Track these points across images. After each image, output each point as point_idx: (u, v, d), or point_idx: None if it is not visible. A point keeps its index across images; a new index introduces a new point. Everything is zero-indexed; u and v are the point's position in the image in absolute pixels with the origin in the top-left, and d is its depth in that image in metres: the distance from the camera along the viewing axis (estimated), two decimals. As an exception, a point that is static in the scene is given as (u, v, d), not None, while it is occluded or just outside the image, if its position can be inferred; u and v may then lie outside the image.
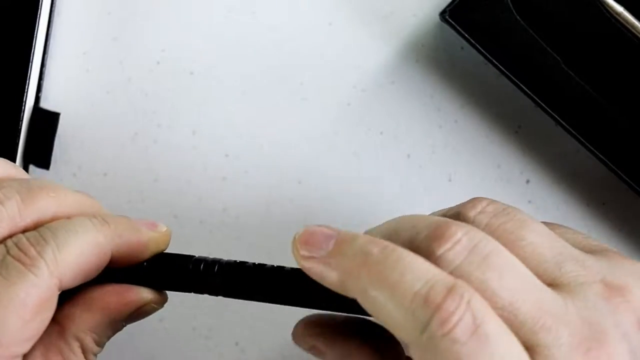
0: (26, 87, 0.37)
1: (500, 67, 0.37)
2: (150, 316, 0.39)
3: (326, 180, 0.40)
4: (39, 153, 0.38)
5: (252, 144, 0.39)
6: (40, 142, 0.38)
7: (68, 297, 0.28)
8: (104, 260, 0.28)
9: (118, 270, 0.29)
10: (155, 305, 0.30)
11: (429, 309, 0.23)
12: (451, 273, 0.25)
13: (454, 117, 0.40)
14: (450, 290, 0.23)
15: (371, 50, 0.39)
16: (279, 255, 0.39)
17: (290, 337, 0.39)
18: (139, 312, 0.30)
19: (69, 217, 0.28)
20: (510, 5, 0.37)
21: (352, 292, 0.25)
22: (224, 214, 0.39)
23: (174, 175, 0.39)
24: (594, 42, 0.38)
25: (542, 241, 0.27)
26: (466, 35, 0.37)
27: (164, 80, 0.39)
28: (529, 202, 0.40)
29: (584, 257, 0.27)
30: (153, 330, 0.39)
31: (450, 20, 0.37)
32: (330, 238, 0.27)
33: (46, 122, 0.38)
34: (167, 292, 0.31)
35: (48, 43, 0.39)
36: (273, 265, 0.30)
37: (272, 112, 0.40)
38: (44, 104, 0.39)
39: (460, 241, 0.25)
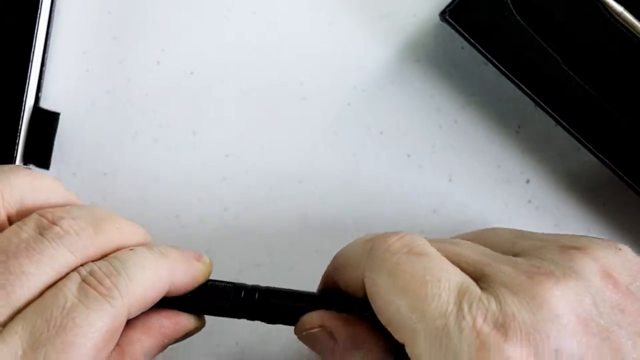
0: (26, 86, 0.37)
1: (500, 67, 0.37)
2: (150, 316, 0.39)
3: (326, 180, 0.40)
4: (39, 153, 0.38)
5: (252, 144, 0.39)
6: (40, 142, 0.38)
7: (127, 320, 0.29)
8: (163, 291, 0.29)
9: (167, 298, 0.30)
10: (198, 329, 0.32)
11: (373, 241, 0.29)
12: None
13: (454, 117, 0.40)
14: (390, 232, 0.29)
15: (371, 50, 0.39)
16: (279, 254, 0.39)
17: (290, 337, 0.39)
18: (184, 337, 0.32)
19: (131, 248, 0.29)
20: (510, 5, 0.37)
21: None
22: (224, 214, 0.39)
23: (174, 175, 0.39)
24: (594, 42, 0.38)
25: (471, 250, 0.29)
26: (466, 35, 0.37)
27: (164, 80, 0.39)
28: (529, 202, 0.40)
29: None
30: (153, 330, 0.39)
31: (450, 20, 0.37)
32: None
33: (46, 122, 0.38)
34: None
35: (48, 43, 0.39)
36: (308, 292, 0.33)
37: (272, 112, 0.40)
38: (44, 104, 0.39)
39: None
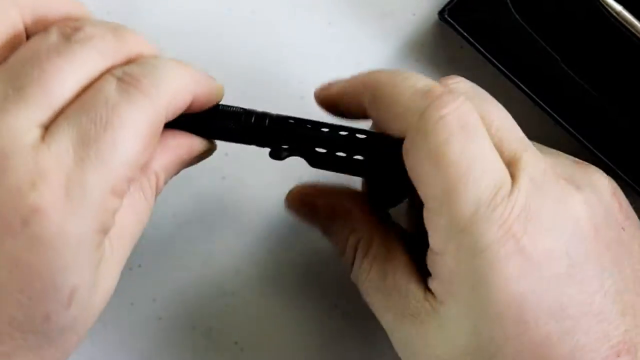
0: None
1: (499, 65, 0.37)
2: (150, 316, 0.39)
3: (326, 179, 0.40)
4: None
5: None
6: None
7: None
8: (188, 100, 0.29)
9: (184, 115, 0.30)
10: (209, 153, 0.32)
11: (428, 99, 0.28)
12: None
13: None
14: (449, 90, 0.29)
15: (371, 49, 0.40)
16: (280, 254, 0.39)
17: (289, 337, 0.39)
18: (197, 159, 0.32)
19: (156, 56, 0.29)
20: (509, 4, 0.37)
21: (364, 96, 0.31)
22: (224, 214, 0.39)
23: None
24: (593, 41, 0.38)
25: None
26: (465, 34, 0.37)
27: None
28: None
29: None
30: (153, 330, 0.39)
31: (449, 20, 0.37)
32: None
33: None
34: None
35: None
36: (324, 122, 0.32)
37: (272, 111, 0.40)
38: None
39: (457, 93, 0.29)
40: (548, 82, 0.37)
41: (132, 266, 0.38)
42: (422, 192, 0.28)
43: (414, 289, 0.29)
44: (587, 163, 0.31)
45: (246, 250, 0.39)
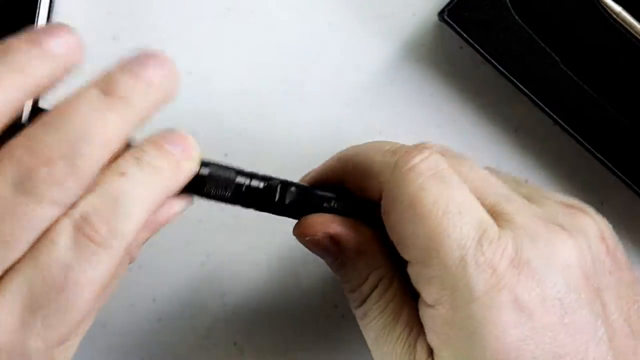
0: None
1: (499, 66, 0.37)
2: (150, 316, 0.39)
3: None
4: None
5: (252, 144, 0.39)
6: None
7: None
8: (159, 206, 0.27)
9: None
10: (187, 207, 0.30)
11: (397, 154, 0.29)
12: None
13: (453, 117, 0.40)
14: (416, 147, 0.29)
15: (371, 50, 0.39)
16: (279, 254, 0.39)
17: (289, 337, 0.39)
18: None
19: (122, 172, 0.26)
20: (509, 5, 0.37)
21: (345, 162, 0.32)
22: (223, 214, 0.39)
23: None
24: (593, 42, 0.38)
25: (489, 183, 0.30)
26: (464, 35, 0.37)
27: (163, 80, 0.39)
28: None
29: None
30: (153, 330, 0.39)
31: (448, 20, 0.37)
32: None
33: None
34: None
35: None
36: (307, 186, 0.32)
37: (272, 111, 0.40)
38: (43, 104, 0.39)
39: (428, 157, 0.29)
40: (547, 83, 0.37)
41: (132, 267, 0.38)
42: (404, 248, 0.28)
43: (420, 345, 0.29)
44: (576, 204, 0.30)
45: (246, 251, 0.39)
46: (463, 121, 0.40)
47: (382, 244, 0.30)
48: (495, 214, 0.28)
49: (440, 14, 0.37)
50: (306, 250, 0.39)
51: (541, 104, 0.37)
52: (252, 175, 0.30)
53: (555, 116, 0.37)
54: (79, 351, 0.39)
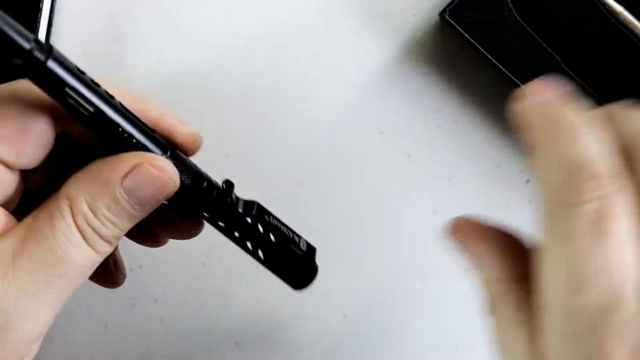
0: (26, 87, 0.37)
1: (500, 66, 0.37)
2: (151, 316, 0.39)
3: (326, 180, 0.40)
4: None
5: (252, 144, 0.39)
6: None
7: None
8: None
9: None
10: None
11: (572, 180, 0.24)
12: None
13: (453, 117, 0.40)
14: (603, 177, 0.23)
15: (371, 50, 0.39)
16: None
17: (289, 337, 0.39)
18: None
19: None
20: (510, 5, 0.37)
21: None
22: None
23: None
24: (594, 41, 0.38)
25: None
26: (466, 35, 0.37)
27: (164, 80, 0.39)
28: (529, 201, 0.40)
29: None
30: (154, 330, 0.39)
31: (450, 20, 0.37)
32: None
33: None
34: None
35: (48, 42, 0.38)
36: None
37: (272, 112, 0.40)
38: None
39: None
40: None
41: (133, 267, 0.38)
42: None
43: None
44: None
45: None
46: (464, 121, 0.40)
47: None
48: None
49: (442, 14, 0.37)
50: (307, 250, 0.39)
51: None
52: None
53: None
54: (80, 351, 0.39)
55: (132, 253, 0.37)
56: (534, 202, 0.40)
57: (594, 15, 0.38)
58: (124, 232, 0.26)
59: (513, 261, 0.27)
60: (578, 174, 0.24)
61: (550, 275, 0.24)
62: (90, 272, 0.26)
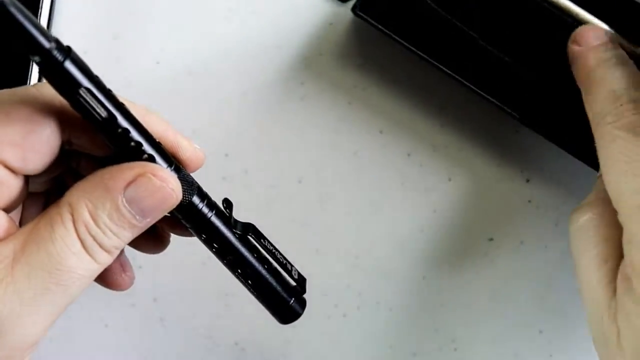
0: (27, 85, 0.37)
1: (420, 52, 0.36)
2: (151, 316, 0.39)
3: (326, 179, 0.40)
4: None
5: (252, 144, 0.39)
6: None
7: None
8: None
9: None
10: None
11: (619, 100, 0.31)
12: None
13: (454, 117, 0.40)
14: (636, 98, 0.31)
15: (371, 50, 0.39)
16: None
17: (289, 337, 0.39)
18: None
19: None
20: None
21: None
22: (224, 214, 0.39)
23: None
24: (507, 13, 0.37)
25: None
26: (380, 27, 0.36)
27: (164, 80, 0.39)
28: (529, 201, 0.40)
29: None
30: (153, 330, 0.39)
31: (362, 15, 0.36)
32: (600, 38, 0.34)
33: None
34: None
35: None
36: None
37: (272, 111, 0.40)
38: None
39: None
40: (469, 60, 0.36)
41: (133, 267, 0.38)
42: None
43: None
44: None
45: (247, 250, 0.39)
46: (464, 121, 0.40)
47: None
48: None
49: (353, 9, 0.37)
50: (306, 250, 0.39)
51: (465, 81, 0.36)
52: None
53: (480, 91, 0.36)
54: (80, 351, 0.39)
55: (132, 253, 0.37)
56: (534, 201, 0.40)
57: None
58: (125, 243, 0.26)
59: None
60: (618, 99, 0.31)
61: (634, 182, 0.29)
62: (88, 282, 0.26)
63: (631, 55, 0.34)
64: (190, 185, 0.28)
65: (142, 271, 0.39)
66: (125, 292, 0.39)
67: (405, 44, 0.36)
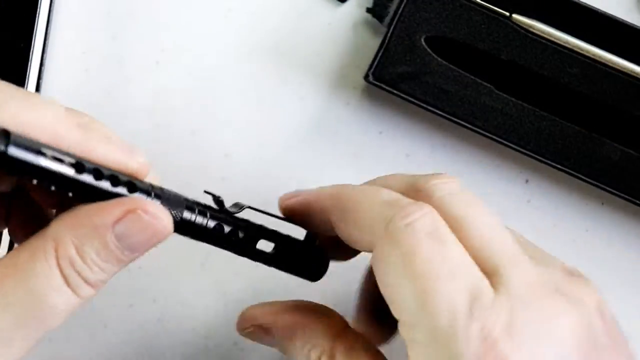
0: (25, 86, 0.37)
1: (437, 111, 0.37)
2: (150, 317, 0.39)
3: (326, 180, 0.40)
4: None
5: (252, 144, 0.39)
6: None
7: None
8: None
9: None
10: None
11: (394, 208, 0.27)
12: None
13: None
14: (414, 202, 0.27)
15: (370, 50, 0.39)
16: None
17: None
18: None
19: None
20: (429, 50, 0.37)
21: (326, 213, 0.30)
22: (223, 214, 0.39)
23: (173, 175, 0.39)
24: (517, 59, 0.38)
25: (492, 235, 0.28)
26: (394, 91, 0.37)
27: (164, 80, 0.39)
28: (528, 201, 0.40)
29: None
30: (153, 330, 0.39)
31: (374, 82, 0.37)
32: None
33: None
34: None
35: (47, 42, 0.38)
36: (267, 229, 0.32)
37: (272, 111, 0.40)
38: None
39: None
40: (487, 111, 0.37)
41: (132, 267, 0.38)
42: (394, 307, 0.27)
43: None
44: (577, 272, 0.29)
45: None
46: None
47: (319, 316, 0.30)
48: (495, 275, 0.26)
49: (366, 77, 0.37)
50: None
51: (487, 134, 0.37)
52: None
53: (502, 140, 0.37)
54: (80, 351, 0.39)
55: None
56: (533, 201, 0.40)
57: (510, 34, 0.37)
58: (110, 277, 0.26)
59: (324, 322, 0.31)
60: (396, 203, 0.28)
61: (404, 292, 0.26)
62: (69, 315, 0.25)
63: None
64: (178, 204, 0.28)
65: (141, 271, 0.38)
66: (124, 292, 0.39)
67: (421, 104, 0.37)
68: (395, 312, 0.27)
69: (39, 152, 0.23)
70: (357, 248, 0.30)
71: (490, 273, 0.26)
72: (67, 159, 0.24)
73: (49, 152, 0.23)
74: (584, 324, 0.26)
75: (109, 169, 0.25)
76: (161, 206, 0.26)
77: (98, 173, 0.25)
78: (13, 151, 0.22)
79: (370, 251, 0.28)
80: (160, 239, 0.26)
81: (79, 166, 0.24)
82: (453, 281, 0.25)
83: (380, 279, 0.27)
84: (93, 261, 0.25)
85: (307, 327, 0.31)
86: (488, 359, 0.24)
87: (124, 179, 0.26)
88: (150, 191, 0.26)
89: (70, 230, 0.25)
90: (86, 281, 0.25)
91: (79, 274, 0.25)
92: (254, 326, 0.31)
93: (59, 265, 0.24)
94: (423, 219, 0.26)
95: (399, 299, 0.26)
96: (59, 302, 0.25)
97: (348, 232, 0.29)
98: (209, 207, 0.30)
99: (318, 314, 0.31)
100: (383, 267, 0.27)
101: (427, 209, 0.27)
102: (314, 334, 0.30)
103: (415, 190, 0.28)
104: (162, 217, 0.25)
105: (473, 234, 0.27)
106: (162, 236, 0.26)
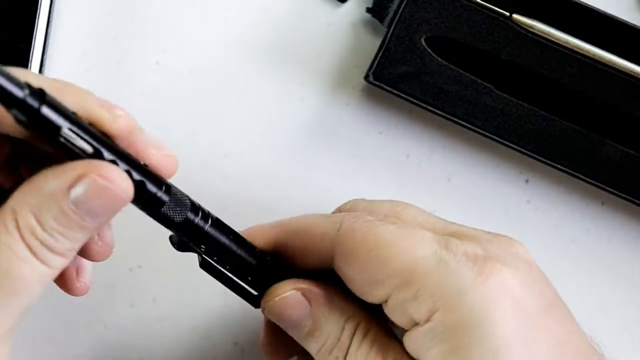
0: (25, 86, 0.37)
1: (437, 111, 0.37)
2: (151, 316, 0.39)
3: (326, 180, 0.40)
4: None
5: (252, 144, 0.39)
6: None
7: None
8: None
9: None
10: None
11: (338, 217, 0.30)
12: None
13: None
14: (347, 213, 0.32)
15: (370, 50, 0.39)
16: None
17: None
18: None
19: None
20: (429, 50, 0.37)
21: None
22: (223, 214, 0.39)
23: (173, 175, 0.39)
24: (517, 59, 0.38)
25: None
26: (394, 91, 0.37)
27: (164, 80, 0.39)
28: (528, 201, 0.40)
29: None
30: (153, 330, 0.39)
31: (375, 82, 0.37)
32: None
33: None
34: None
35: (47, 42, 0.38)
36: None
37: (272, 112, 0.40)
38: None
39: None
40: (487, 111, 0.37)
41: (132, 267, 0.38)
42: (376, 288, 0.28)
43: None
44: (502, 234, 0.30)
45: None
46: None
47: (345, 294, 0.30)
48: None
49: (366, 77, 0.37)
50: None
51: (487, 134, 0.37)
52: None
53: (503, 140, 0.37)
54: (80, 351, 0.39)
55: (132, 253, 0.37)
56: (533, 202, 0.40)
57: (510, 34, 0.38)
58: (80, 244, 0.25)
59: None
60: (338, 215, 0.31)
61: (384, 263, 0.28)
62: (43, 286, 0.25)
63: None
64: (182, 205, 0.28)
65: (141, 271, 0.39)
66: (124, 292, 0.39)
67: (421, 104, 0.38)
68: (380, 292, 0.28)
69: (71, 116, 0.24)
70: (319, 265, 0.31)
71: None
72: (95, 130, 0.25)
73: (76, 116, 0.24)
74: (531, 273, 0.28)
75: (131, 157, 0.26)
76: (119, 170, 0.25)
77: (118, 152, 0.25)
78: (46, 111, 0.23)
79: (332, 264, 0.30)
80: (120, 204, 0.25)
81: (103, 140, 0.25)
82: (422, 234, 0.28)
83: (352, 274, 0.29)
84: (53, 228, 0.24)
85: (343, 300, 0.30)
86: (484, 276, 0.26)
87: (139, 164, 0.26)
88: (162, 185, 0.27)
89: (27, 199, 0.24)
90: (52, 250, 0.24)
91: (41, 242, 0.24)
92: (297, 289, 0.30)
93: (20, 235, 0.24)
94: (364, 215, 0.30)
95: (378, 276, 0.28)
96: (28, 272, 0.24)
97: (300, 252, 0.31)
98: (211, 216, 0.30)
99: (344, 293, 0.31)
100: (351, 261, 0.29)
101: (359, 213, 0.31)
102: (350, 306, 0.30)
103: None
104: (118, 181, 0.24)
105: (417, 220, 0.31)
106: (121, 200, 0.25)
